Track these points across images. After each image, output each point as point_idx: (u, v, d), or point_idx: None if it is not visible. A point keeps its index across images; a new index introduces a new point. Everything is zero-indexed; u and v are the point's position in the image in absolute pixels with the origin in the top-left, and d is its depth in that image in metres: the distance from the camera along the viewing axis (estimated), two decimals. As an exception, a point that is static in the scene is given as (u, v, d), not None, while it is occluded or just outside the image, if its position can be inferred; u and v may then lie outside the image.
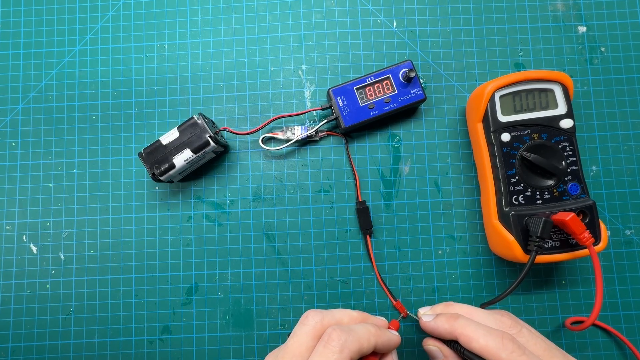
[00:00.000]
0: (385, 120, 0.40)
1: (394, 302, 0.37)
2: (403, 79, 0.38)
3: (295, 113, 0.39)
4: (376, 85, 0.38)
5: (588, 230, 0.32)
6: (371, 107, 0.38)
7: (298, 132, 0.39)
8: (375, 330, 0.28)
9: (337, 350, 0.25)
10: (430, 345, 0.31)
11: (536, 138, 0.35)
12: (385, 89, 0.38)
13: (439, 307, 0.32)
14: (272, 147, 0.39)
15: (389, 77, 0.38)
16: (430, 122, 0.40)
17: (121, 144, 0.40)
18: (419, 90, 0.38)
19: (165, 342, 0.38)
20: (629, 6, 0.41)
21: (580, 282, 0.38)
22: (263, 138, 0.39)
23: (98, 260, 0.39)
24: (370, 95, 0.38)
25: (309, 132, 0.39)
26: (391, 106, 0.38)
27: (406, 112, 0.40)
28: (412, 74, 0.37)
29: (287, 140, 0.39)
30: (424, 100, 0.38)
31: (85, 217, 0.39)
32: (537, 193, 0.35)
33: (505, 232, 0.34)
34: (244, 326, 0.38)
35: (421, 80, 0.40)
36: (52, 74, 0.41)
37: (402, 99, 0.38)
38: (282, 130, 0.39)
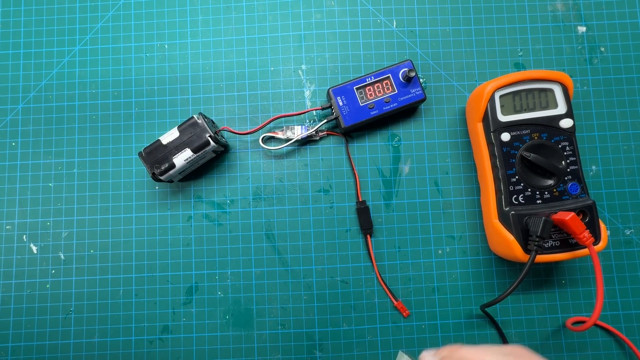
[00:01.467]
0: (385, 120, 0.40)
1: (395, 302, 0.37)
2: (403, 78, 0.38)
3: (295, 113, 0.39)
4: (376, 85, 0.38)
5: (588, 230, 0.32)
6: (371, 106, 0.38)
7: (298, 132, 0.39)
8: None
9: None
10: None
11: (536, 138, 0.35)
12: (385, 89, 0.38)
13: (445, 351, 0.29)
14: (272, 147, 0.39)
15: (388, 77, 0.38)
16: (430, 122, 0.40)
17: (121, 144, 0.40)
18: (418, 90, 0.38)
19: (165, 342, 0.38)
20: (629, 6, 0.41)
21: (580, 282, 0.38)
22: (263, 137, 0.39)
23: (98, 260, 0.39)
24: (370, 95, 0.38)
25: (309, 131, 0.39)
26: (391, 106, 0.38)
27: (406, 112, 0.40)
28: (412, 74, 0.37)
29: (287, 140, 0.39)
30: (423, 100, 0.38)
31: (85, 217, 0.39)
32: (537, 193, 0.35)
33: (505, 231, 0.34)
34: (244, 326, 0.38)
35: (421, 80, 0.40)
36: (52, 74, 0.41)
37: (402, 98, 0.38)
38: (282, 130, 0.39)
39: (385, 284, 0.38)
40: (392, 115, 0.39)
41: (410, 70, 0.37)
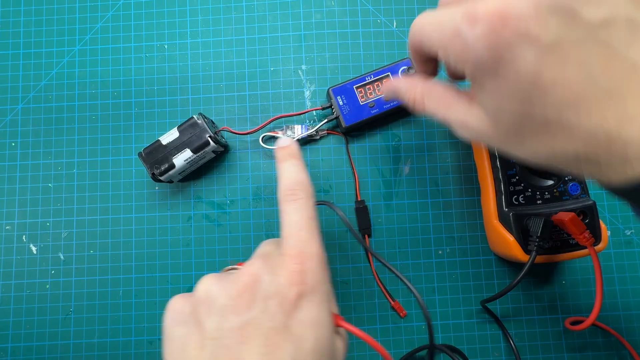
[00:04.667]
0: (385, 119, 0.40)
1: (392, 303, 0.37)
2: (402, 76, 0.38)
3: (295, 113, 0.39)
4: (376, 83, 0.38)
5: (588, 230, 0.32)
6: (371, 105, 0.37)
7: (298, 132, 0.39)
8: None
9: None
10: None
11: (536, 138, 0.35)
12: (385, 89, 0.38)
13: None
14: (272, 146, 0.39)
15: (388, 75, 0.38)
16: (430, 122, 0.40)
17: (121, 144, 0.40)
18: (419, 90, 0.38)
19: (165, 342, 0.38)
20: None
21: (580, 282, 0.38)
22: (263, 137, 0.39)
23: (98, 260, 0.39)
24: (370, 93, 0.38)
25: (309, 131, 0.39)
26: (391, 104, 0.38)
27: (406, 112, 0.40)
28: (411, 72, 0.37)
29: (287, 140, 0.39)
30: (424, 100, 0.38)
31: (85, 217, 0.39)
32: (537, 193, 0.35)
33: (505, 232, 0.34)
34: (244, 326, 0.38)
35: (421, 80, 0.40)
36: (52, 74, 0.41)
37: (402, 98, 0.38)
38: (282, 130, 0.39)
39: (382, 284, 0.38)
40: (392, 116, 0.39)
41: (409, 68, 0.37)
